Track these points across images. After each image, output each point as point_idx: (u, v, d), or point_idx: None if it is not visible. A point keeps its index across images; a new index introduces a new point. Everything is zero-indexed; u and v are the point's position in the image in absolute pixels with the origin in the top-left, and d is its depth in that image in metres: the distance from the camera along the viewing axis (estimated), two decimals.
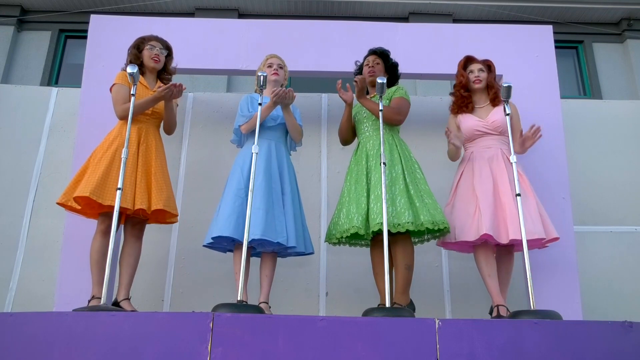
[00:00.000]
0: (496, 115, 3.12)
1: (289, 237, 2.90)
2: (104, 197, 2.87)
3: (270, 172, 3.00)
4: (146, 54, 3.22)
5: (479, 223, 2.89)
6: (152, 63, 3.22)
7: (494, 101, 3.19)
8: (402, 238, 3.01)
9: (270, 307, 2.97)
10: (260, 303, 2.92)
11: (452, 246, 3.15)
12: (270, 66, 3.26)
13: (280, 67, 3.27)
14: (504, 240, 2.90)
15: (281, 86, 3.26)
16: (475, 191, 3.00)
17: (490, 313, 3.04)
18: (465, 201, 3.01)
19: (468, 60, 3.27)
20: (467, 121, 3.18)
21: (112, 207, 2.76)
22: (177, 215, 3.18)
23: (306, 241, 3.08)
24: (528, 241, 2.75)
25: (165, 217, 3.14)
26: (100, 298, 2.88)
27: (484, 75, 3.22)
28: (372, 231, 2.91)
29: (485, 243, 2.99)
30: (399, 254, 3.00)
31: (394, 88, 3.31)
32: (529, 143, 3.10)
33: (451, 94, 3.34)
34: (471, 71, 3.23)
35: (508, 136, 2.92)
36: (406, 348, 2.19)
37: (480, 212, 2.91)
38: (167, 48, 3.32)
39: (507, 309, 2.91)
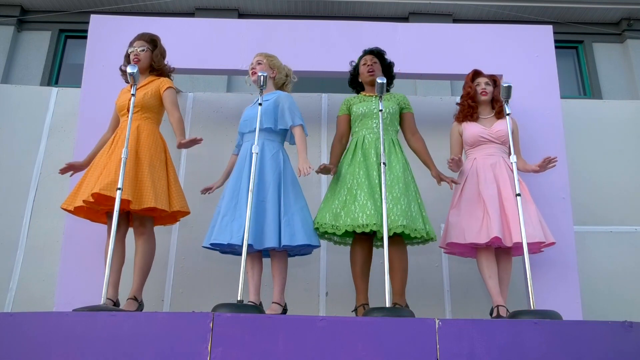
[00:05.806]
0: (501, 125, 3.27)
1: (241, 236, 2.75)
2: (74, 201, 2.96)
3: (241, 175, 3.01)
4: (130, 57, 3.21)
5: (489, 226, 3.01)
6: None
7: (499, 114, 3.31)
8: (398, 240, 3.04)
9: (283, 306, 2.96)
10: (272, 303, 2.93)
11: (457, 247, 3.22)
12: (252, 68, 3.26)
13: (259, 63, 3.24)
14: (508, 243, 3.01)
15: (278, 79, 3.29)
16: (481, 195, 3.12)
17: (491, 314, 3.05)
18: (473, 205, 3.13)
19: (476, 74, 3.42)
20: (472, 128, 3.31)
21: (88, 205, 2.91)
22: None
23: (274, 235, 2.86)
24: (527, 244, 2.86)
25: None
26: (112, 300, 2.91)
27: (490, 88, 3.37)
28: (394, 232, 2.89)
29: (488, 246, 3.08)
30: (397, 256, 3.02)
31: (401, 96, 3.35)
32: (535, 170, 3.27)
33: (458, 103, 3.48)
34: (478, 84, 3.38)
35: (509, 147, 3.03)
36: (406, 348, 2.19)
37: (489, 216, 3.03)
38: (151, 42, 3.27)
39: (507, 310, 2.97)
